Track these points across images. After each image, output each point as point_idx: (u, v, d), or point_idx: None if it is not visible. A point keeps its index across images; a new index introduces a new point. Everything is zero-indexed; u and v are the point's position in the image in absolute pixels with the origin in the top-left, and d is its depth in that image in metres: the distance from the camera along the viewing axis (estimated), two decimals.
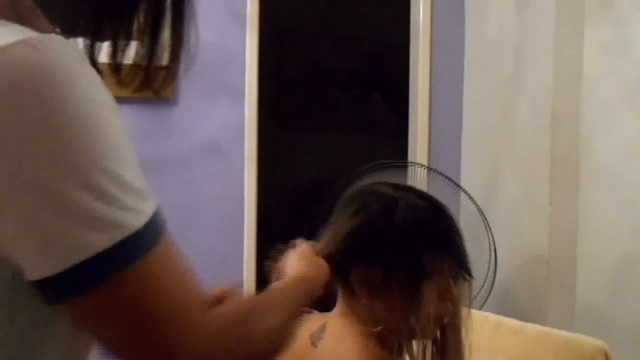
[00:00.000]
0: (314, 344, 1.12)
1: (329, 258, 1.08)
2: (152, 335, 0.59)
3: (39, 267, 0.55)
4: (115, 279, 0.56)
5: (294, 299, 0.84)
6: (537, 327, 1.74)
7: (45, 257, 0.55)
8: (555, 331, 1.69)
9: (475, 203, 2.43)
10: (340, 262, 1.10)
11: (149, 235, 0.59)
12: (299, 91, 3.06)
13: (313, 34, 3.09)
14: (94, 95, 0.58)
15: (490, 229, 2.39)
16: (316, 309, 1.23)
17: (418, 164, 2.58)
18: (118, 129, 0.59)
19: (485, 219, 2.40)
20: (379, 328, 1.09)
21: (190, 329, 0.60)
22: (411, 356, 1.16)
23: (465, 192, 2.49)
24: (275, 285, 0.95)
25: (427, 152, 2.86)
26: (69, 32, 0.67)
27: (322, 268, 1.03)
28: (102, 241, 0.55)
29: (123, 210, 0.57)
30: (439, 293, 1.11)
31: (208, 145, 2.62)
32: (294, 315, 0.80)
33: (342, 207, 1.16)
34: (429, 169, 2.55)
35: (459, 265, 1.14)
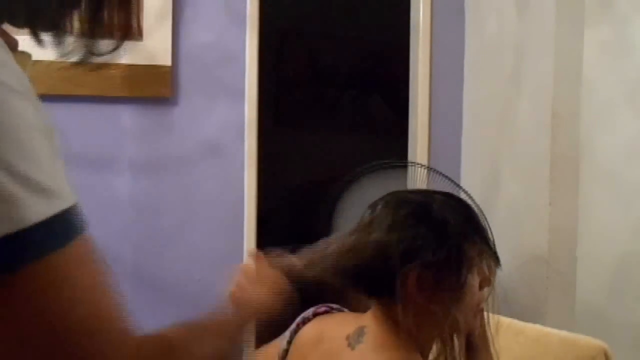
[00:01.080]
0: (351, 345, 1.13)
1: (350, 271, 1.08)
2: (55, 346, 0.54)
3: None
4: (13, 275, 0.52)
5: (230, 332, 0.79)
6: (537, 327, 1.74)
7: None
8: (555, 331, 1.69)
9: (475, 203, 2.43)
10: (378, 273, 1.11)
11: (53, 234, 0.55)
12: (299, 91, 3.06)
13: (313, 34, 3.09)
14: (2, 79, 0.55)
15: (490, 229, 2.39)
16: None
17: (418, 164, 2.58)
18: (24, 118, 0.55)
19: (485, 219, 2.40)
20: (436, 329, 1.11)
21: (99, 354, 0.56)
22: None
23: (465, 192, 2.48)
24: (214, 313, 0.85)
25: (427, 152, 2.86)
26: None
27: (279, 291, 0.96)
28: None
29: (20, 204, 0.53)
30: (480, 281, 1.15)
31: (208, 145, 2.62)
32: (227, 348, 0.74)
33: (366, 219, 1.16)
34: (429, 169, 2.55)
35: (491, 251, 1.18)
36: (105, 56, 0.70)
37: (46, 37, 0.67)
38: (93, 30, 0.68)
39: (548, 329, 1.72)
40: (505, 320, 1.80)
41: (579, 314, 2.27)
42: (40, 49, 0.67)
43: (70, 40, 0.67)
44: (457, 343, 1.18)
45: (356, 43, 3.08)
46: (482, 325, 1.19)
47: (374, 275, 1.11)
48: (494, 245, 1.20)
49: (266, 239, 2.71)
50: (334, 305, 1.26)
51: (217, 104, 2.63)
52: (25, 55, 0.66)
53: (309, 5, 3.04)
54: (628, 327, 2.16)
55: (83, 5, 0.67)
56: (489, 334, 1.20)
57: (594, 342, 1.58)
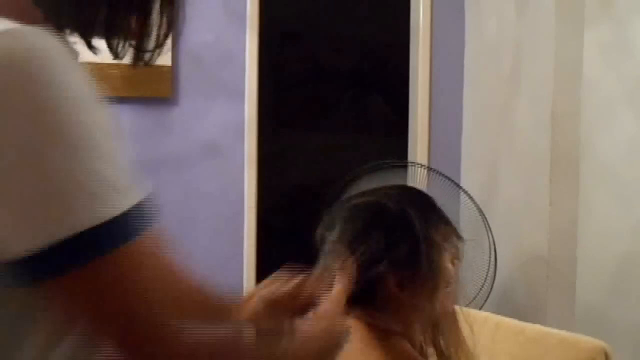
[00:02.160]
0: None
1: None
2: (122, 327, 0.59)
3: (15, 244, 0.57)
4: (91, 264, 0.58)
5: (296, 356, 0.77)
6: (537, 327, 1.74)
7: (20, 235, 0.57)
8: (555, 331, 1.69)
9: (475, 203, 2.43)
10: (358, 284, 1.11)
11: (126, 228, 0.60)
12: (298, 91, 3.06)
13: (313, 34, 3.09)
14: (73, 87, 0.59)
15: (490, 229, 2.39)
16: None
17: (418, 164, 2.58)
18: (96, 122, 0.60)
19: (485, 219, 2.40)
20: (418, 323, 1.11)
21: (158, 339, 0.60)
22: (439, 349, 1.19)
23: (465, 192, 2.49)
24: (279, 328, 0.81)
25: (427, 152, 2.86)
26: (63, 26, 0.68)
27: (340, 337, 0.89)
28: (73, 226, 0.56)
29: (93, 199, 0.58)
30: (450, 260, 1.17)
31: (208, 145, 2.62)
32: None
33: (337, 234, 1.16)
34: (429, 169, 2.55)
35: (452, 228, 1.18)
36: (154, 54, 0.76)
37: (98, 42, 0.70)
38: (143, 30, 0.73)
39: (548, 329, 1.72)
40: (505, 320, 1.81)
41: (579, 314, 2.28)
42: (93, 55, 0.71)
43: (120, 42, 0.72)
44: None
45: (356, 43, 3.08)
46: (452, 301, 1.20)
47: (357, 286, 1.11)
48: (450, 220, 1.21)
49: (266, 239, 2.72)
50: None
51: (217, 104, 2.63)
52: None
53: (309, 5, 3.04)
54: (628, 327, 2.16)
55: (135, 8, 0.71)
56: (457, 309, 1.21)
57: (594, 342, 1.58)
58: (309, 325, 0.85)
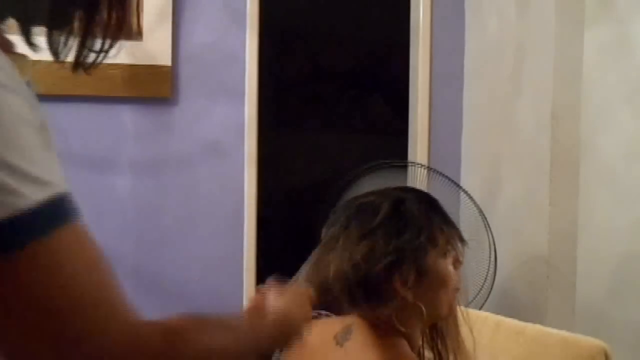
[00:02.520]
0: (339, 343, 1.14)
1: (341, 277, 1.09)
2: (51, 328, 0.56)
3: None
4: (3, 261, 0.55)
5: (251, 334, 0.77)
6: (537, 327, 1.74)
7: None
8: (555, 331, 1.69)
9: (475, 203, 2.43)
10: (360, 283, 1.12)
11: (42, 219, 0.56)
12: (299, 91, 3.06)
13: (313, 34, 3.09)
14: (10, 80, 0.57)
15: (490, 229, 2.39)
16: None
17: (418, 164, 2.58)
18: (12, 111, 0.57)
19: (485, 219, 2.40)
20: (421, 322, 1.12)
21: (100, 330, 0.57)
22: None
23: (465, 192, 2.48)
24: (237, 313, 0.85)
25: (427, 152, 2.86)
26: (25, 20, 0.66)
27: (305, 312, 0.93)
28: None
29: (6, 191, 0.55)
30: (453, 263, 1.18)
31: (208, 145, 2.62)
32: (247, 353, 0.73)
33: (342, 230, 1.17)
34: (429, 169, 2.55)
35: (456, 231, 1.19)
36: (101, 55, 0.71)
37: (39, 39, 0.67)
38: (87, 28, 0.69)
39: (548, 329, 1.72)
40: (505, 320, 1.81)
41: (579, 314, 2.28)
42: (33, 52, 0.68)
43: (64, 41, 0.68)
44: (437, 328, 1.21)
45: (356, 43, 3.08)
46: (454, 305, 1.21)
47: (357, 287, 1.12)
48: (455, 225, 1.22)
49: (266, 239, 2.72)
50: (322, 312, 1.28)
51: (217, 104, 2.63)
52: (24, 57, 0.67)
53: (309, 5, 3.04)
54: (628, 327, 2.16)
55: (81, 4, 0.68)
56: (458, 314, 1.22)
57: (594, 342, 1.58)
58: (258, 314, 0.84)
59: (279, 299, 0.87)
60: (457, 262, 1.19)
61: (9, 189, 0.55)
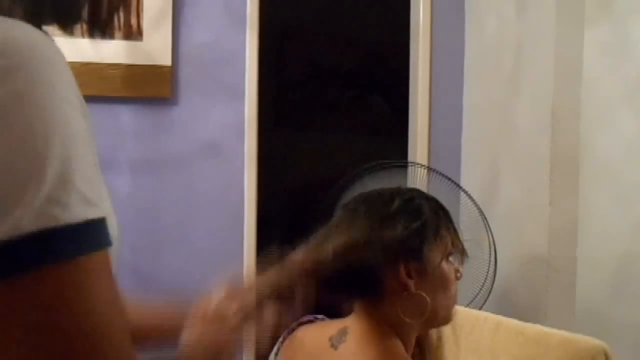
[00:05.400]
0: (334, 346, 1.14)
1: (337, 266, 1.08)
2: (65, 352, 0.54)
3: None
4: (38, 270, 0.53)
5: None
6: (537, 327, 1.74)
7: None
8: (555, 331, 1.69)
9: (475, 203, 2.43)
10: (364, 272, 1.12)
11: (82, 239, 0.56)
12: (299, 91, 3.06)
13: (313, 34, 3.09)
14: (61, 89, 0.57)
15: (490, 229, 2.39)
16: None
17: (418, 164, 2.58)
18: (75, 129, 0.57)
19: (485, 219, 2.40)
20: (424, 316, 1.12)
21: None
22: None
23: (465, 192, 2.49)
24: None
25: (427, 152, 2.86)
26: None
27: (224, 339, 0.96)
28: (29, 224, 0.53)
29: (56, 202, 0.54)
30: (454, 273, 1.19)
31: (208, 145, 2.62)
32: None
33: (350, 217, 1.17)
34: (429, 169, 2.55)
35: (459, 241, 1.20)
36: (107, 26, 0.71)
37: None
38: (93, 29, 0.69)
39: (548, 329, 1.72)
40: (505, 320, 1.81)
41: (579, 314, 2.28)
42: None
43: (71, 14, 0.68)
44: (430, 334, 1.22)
45: (356, 43, 3.08)
46: (449, 313, 1.21)
47: (359, 275, 1.12)
48: (462, 238, 1.23)
49: (266, 238, 2.72)
50: (319, 316, 1.28)
51: (217, 104, 2.63)
52: None
53: (309, 5, 3.04)
54: (628, 327, 2.16)
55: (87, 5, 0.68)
56: (445, 330, 1.23)
57: (594, 342, 1.58)
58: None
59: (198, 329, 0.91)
60: (457, 272, 1.19)
61: (60, 201, 0.54)
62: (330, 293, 1.13)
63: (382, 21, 3.06)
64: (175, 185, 2.58)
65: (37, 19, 0.64)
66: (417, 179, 2.49)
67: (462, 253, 1.21)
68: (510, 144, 2.52)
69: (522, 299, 2.44)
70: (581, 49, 2.26)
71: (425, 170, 2.52)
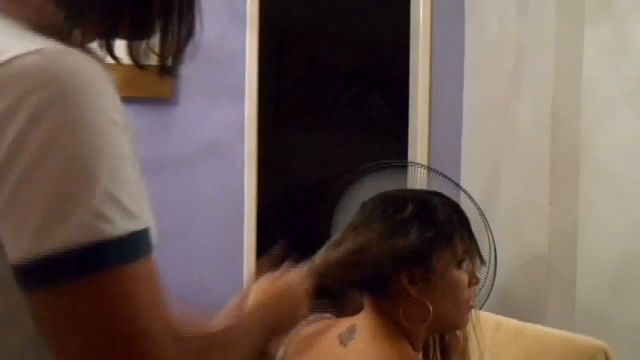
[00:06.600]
0: (343, 343, 1.15)
1: (344, 270, 1.09)
2: (112, 350, 0.59)
3: (16, 249, 0.58)
4: (85, 279, 0.58)
5: (258, 334, 0.83)
6: (537, 327, 1.74)
7: (21, 240, 0.57)
8: (555, 331, 1.69)
9: (475, 203, 2.43)
10: (375, 270, 1.12)
11: (126, 249, 0.60)
12: (298, 91, 3.06)
13: (313, 34, 3.09)
14: (106, 111, 0.61)
15: (490, 229, 2.39)
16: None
17: (418, 164, 2.58)
18: (120, 148, 0.63)
19: (485, 219, 2.40)
20: (426, 322, 1.12)
21: (154, 357, 0.60)
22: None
23: (465, 192, 2.48)
24: (240, 317, 0.91)
25: (427, 152, 2.86)
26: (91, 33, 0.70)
27: (300, 301, 0.99)
28: (78, 237, 0.57)
29: (103, 218, 0.59)
30: (468, 278, 1.17)
31: (208, 145, 2.62)
32: (256, 349, 0.80)
33: (366, 219, 1.17)
34: (429, 169, 2.55)
35: (476, 248, 1.19)
36: (176, 59, 0.79)
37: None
38: (165, 34, 0.76)
39: (548, 329, 1.72)
40: (505, 320, 1.81)
41: (579, 314, 2.28)
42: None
43: (144, 48, 0.76)
44: (444, 339, 1.21)
45: (356, 43, 3.08)
46: (465, 319, 1.20)
47: (372, 273, 1.12)
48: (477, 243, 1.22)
49: (266, 238, 2.71)
50: (326, 315, 1.28)
51: (217, 104, 2.63)
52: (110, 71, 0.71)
53: (309, 5, 3.04)
54: (628, 327, 2.16)
55: (158, 10, 0.74)
56: (471, 332, 1.22)
57: (594, 342, 1.59)
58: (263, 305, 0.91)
59: (275, 289, 0.94)
60: (472, 277, 1.18)
61: (104, 216, 0.59)
62: (347, 285, 1.14)
63: (382, 21, 3.05)
64: (175, 185, 2.58)
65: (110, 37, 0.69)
66: (417, 179, 2.49)
67: (478, 259, 1.21)
68: (511, 144, 2.52)
69: (522, 299, 2.44)
70: (581, 49, 2.26)
71: (425, 170, 2.52)
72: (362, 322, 1.17)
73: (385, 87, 3.07)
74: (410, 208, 1.16)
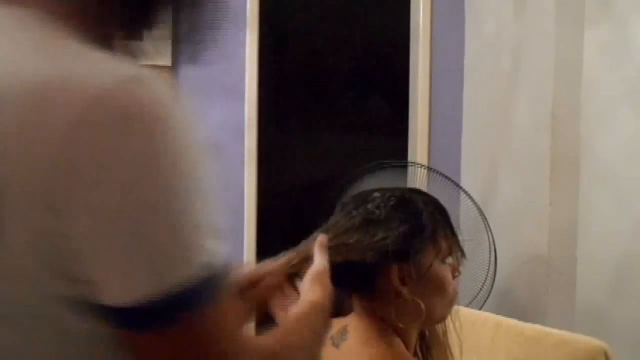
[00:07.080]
0: (335, 345, 1.14)
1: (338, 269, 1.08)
2: None
3: (118, 294, 0.57)
4: (188, 318, 0.58)
5: (316, 331, 0.83)
6: (537, 327, 1.74)
7: (126, 285, 0.56)
8: (555, 331, 1.69)
9: (475, 203, 2.43)
10: (361, 270, 1.12)
11: (216, 284, 0.60)
12: (298, 91, 3.06)
13: (313, 34, 3.09)
14: (189, 141, 0.61)
15: (490, 229, 2.39)
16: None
17: (418, 164, 2.58)
18: (204, 179, 0.62)
19: (485, 219, 2.40)
20: (419, 321, 1.12)
21: None
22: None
23: (465, 192, 2.49)
24: (295, 316, 0.89)
25: (427, 152, 2.86)
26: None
27: (330, 290, 0.98)
28: (193, 275, 0.57)
29: (201, 254, 0.59)
30: (451, 271, 1.17)
31: (208, 145, 2.62)
32: (316, 347, 0.81)
33: (347, 217, 1.16)
34: (429, 169, 2.55)
35: (457, 241, 1.19)
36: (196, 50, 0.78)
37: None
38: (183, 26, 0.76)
39: (548, 329, 1.72)
40: (505, 320, 1.81)
41: (579, 314, 2.28)
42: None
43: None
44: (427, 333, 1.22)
45: (356, 43, 3.08)
46: (446, 314, 1.20)
47: (357, 272, 1.12)
48: (460, 236, 1.22)
49: (266, 239, 2.71)
50: None
51: (217, 104, 2.63)
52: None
53: (309, 5, 3.04)
54: (628, 327, 2.16)
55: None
56: (450, 325, 1.22)
57: (594, 342, 1.58)
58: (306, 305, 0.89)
59: (314, 287, 0.92)
60: (455, 271, 1.19)
61: (207, 249, 0.59)
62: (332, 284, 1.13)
63: (382, 21, 3.05)
64: None
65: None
66: (417, 179, 2.49)
67: (462, 254, 1.21)
68: (510, 144, 2.52)
69: (522, 299, 2.44)
70: (581, 49, 2.26)
71: (425, 170, 2.52)
72: (354, 323, 1.16)
73: (385, 87, 3.07)
74: (392, 204, 1.15)
